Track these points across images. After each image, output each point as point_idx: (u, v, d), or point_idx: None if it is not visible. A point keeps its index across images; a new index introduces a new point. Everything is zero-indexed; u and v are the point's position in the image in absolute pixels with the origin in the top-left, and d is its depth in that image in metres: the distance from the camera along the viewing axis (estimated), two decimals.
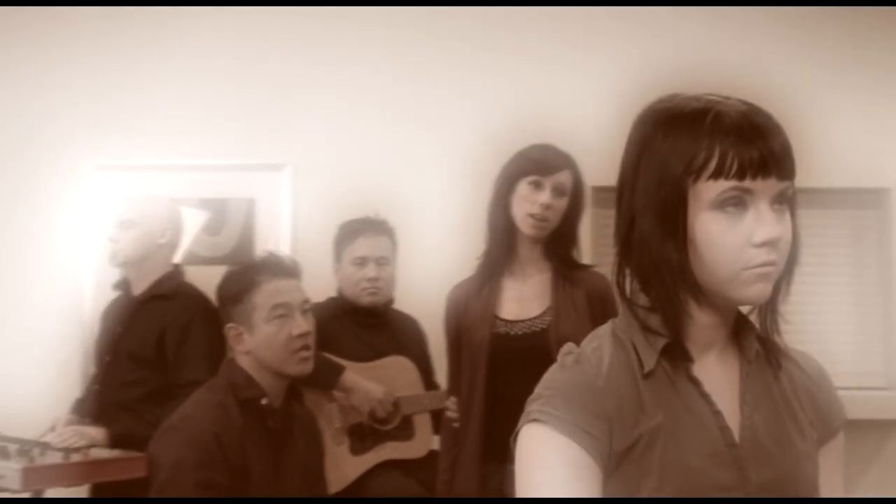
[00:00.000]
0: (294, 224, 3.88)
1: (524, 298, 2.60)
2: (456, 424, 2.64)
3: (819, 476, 1.30)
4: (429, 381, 3.16)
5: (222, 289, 2.52)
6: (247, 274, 2.48)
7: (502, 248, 2.63)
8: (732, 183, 1.16)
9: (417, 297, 3.20)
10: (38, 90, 3.91)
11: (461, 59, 3.93)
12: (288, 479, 2.42)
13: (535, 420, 1.21)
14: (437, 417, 2.90)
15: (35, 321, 3.75)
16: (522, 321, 2.56)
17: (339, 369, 2.93)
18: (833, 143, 3.77)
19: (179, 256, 3.48)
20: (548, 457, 1.19)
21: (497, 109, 3.75)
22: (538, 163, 2.58)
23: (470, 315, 2.63)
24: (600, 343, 1.29)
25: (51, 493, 2.76)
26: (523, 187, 2.57)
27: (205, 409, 2.34)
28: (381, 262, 3.13)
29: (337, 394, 2.96)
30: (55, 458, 2.64)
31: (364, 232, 3.14)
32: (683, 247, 1.19)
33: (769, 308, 1.28)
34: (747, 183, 1.16)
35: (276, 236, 3.88)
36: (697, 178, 1.18)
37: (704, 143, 1.18)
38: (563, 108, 3.67)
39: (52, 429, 2.91)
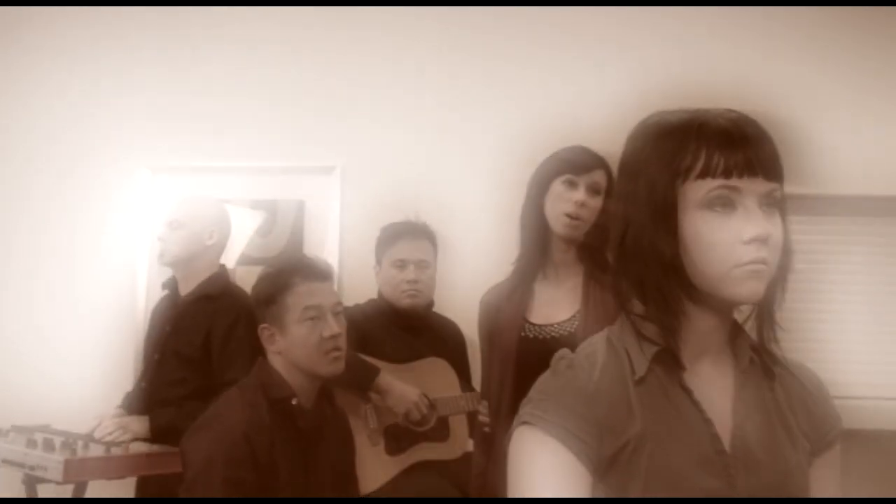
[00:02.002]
0: (342, 226, 3.92)
1: (555, 302, 2.57)
2: (487, 429, 2.64)
3: (811, 487, 1.30)
4: (466, 384, 3.17)
5: (256, 290, 2.57)
6: (280, 276, 2.52)
7: (536, 250, 2.60)
8: (719, 181, 1.19)
9: (458, 301, 3.21)
10: (94, 94, 4.01)
11: (508, 64, 3.93)
12: (318, 479, 2.44)
13: (525, 423, 1.25)
14: (474, 419, 2.91)
15: (89, 319, 3.85)
16: (551, 325, 2.53)
17: (375, 371, 2.95)
18: (859, 149, 3.70)
19: (233, 257, 3.56)
20: (537, 459, 1.22)
21: (543, 114, 3.74)
22: (571, 162, 2.55)
23: (501, 319, 2.62)
24: (595, 349, 1.32)
25: (93, 487, 2.84)
26: (557, 186, 2.54)
27: (235, 408, 2.38)
28: (421, 265, 3.14)
29: (373, 395, 2.98)
30: (97, 451, 2.73)
31: (404, 235, 3.16)
32: (675, 244, 1.21)
33: (765, 315, 1.28)
34: (734, 181, 1.19)
35: (324, 238, 3.93)
36: (686, 179, 1.21)
37: (692, 147, 1.21)
38: (605, 111, 3.64)
39: (100, 423, 2.99)
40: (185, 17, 4.00)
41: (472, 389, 3.13)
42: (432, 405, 3.02)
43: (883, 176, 3.77)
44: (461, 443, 3.07)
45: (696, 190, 1.20)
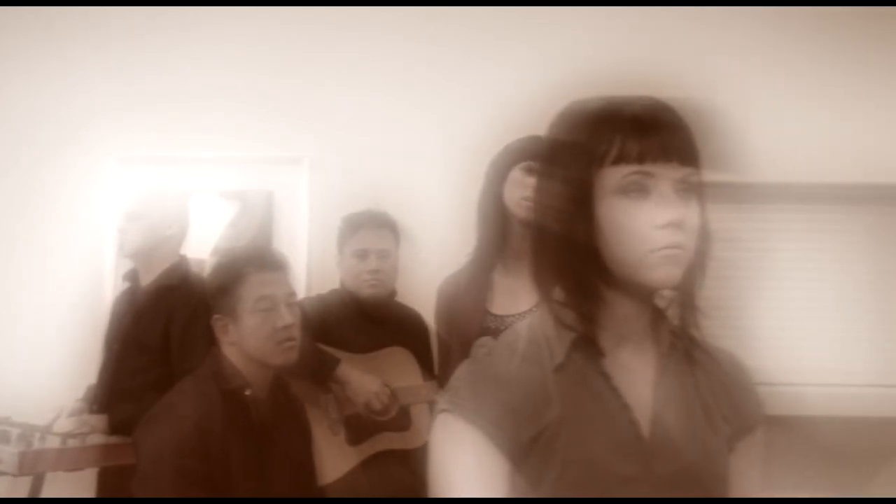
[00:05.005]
0: (311, 216, 3.91)
1: (515, 292, 2.56)
2: None
3: (731, 471, 1.30)
4: (428, 373, 3.16)
5: (210, 280, 2.56)
6: (233, 266, 2.51)
7: (495, 238, 2.61)
8: (633, 167, 1.20)
9: (421, 290, 3.19)
10: (62, 85, 3.98)
11: (469, 59, 3.96)
12: (273, 469, 2.44)
13: (444, 410, 1.25)
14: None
15: (54, 310, 3.83)
16: (512, 315, 2.51)
17: (335, 362, 2.94)
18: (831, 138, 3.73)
19: (207, 249, 3.54)
20: (455, 446, 1.23)
21: (503, 107, 3.72)
22: (530, 150, 2.55)
23: (461, 309, 2.61)
24: (516, 337, 1.32)
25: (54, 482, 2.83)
26: (516, 173, 2.56)
27: (187, 398, 2.38)
28: (382, 254, 3.13)
29: (333, 385, 2.98)
30: (53, 443, 2.72)
31: (365, 224, 3.15)
32: (591, 230, 1.22)
33: (685, 301, 1.28)
34: (648, 166, 1.19)
35: (293, 228, 3.92)
36: (601, 165, 1.21)
37: (606, 134, 1.21)
38: (560, 105, 3.64)
39: (59, 415, 2.98)
40: (154, 9, 3.98)
41: (434, 378, 3.12)
42: (393, 395, 3.02)
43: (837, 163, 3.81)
44: (422, 432, 3.06)
45: (612, 176, 1.20)
